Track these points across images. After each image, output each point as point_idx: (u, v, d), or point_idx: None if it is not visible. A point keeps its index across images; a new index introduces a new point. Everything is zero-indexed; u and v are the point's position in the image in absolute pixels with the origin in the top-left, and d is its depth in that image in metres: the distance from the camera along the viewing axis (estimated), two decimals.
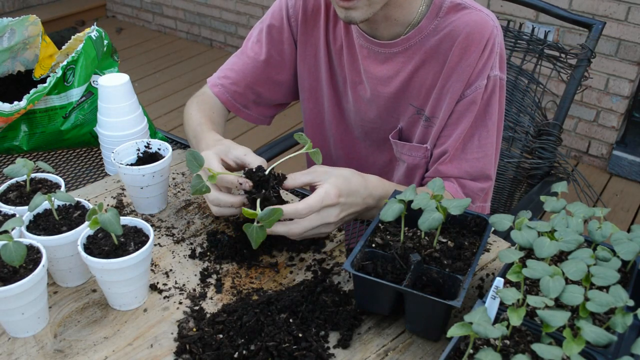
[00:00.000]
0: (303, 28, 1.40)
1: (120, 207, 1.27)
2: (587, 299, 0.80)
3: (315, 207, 1.06)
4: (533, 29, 1.84)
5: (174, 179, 1.38)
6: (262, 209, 1.03)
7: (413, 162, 1.37)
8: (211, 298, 1.05)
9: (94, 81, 1.48)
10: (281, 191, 1.17)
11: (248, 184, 1.08)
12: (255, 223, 1.02)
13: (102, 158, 1.49)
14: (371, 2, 1.15)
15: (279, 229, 1.07)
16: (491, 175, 1.34)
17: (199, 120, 1.36)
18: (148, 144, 1.27)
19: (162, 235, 1.20)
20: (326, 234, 1.14)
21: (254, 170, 1.09)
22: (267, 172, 1.10)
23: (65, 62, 1.42)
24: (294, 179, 1.11)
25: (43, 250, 0.95)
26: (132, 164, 1.24)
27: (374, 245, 1.02)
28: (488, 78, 1.25)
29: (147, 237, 1.01)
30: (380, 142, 1.44)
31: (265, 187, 1.08)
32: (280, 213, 1.02)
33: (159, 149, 1.26)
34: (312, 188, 1.13)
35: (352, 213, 1.13)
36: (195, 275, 1.10)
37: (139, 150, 1.26)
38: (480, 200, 1.35)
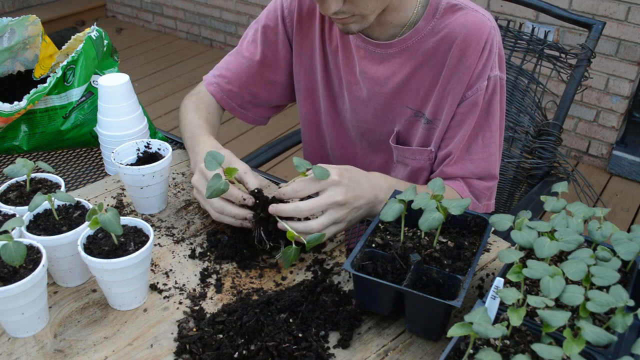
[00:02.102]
0: (298, 29, 1.40)
1: (120, 207, 1.27)
2: (587, 299, 0.80)
3: (314, 186, 1.08)
4: (533, 29, 1.84)
5: (174, 179, 1.38)
6: (268, 230, 1.10)
7: (417, 165, 1.37)
8: (211, 298, 1.05)
9: (94, 81, 1.48)
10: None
11: (251, 200, 1.10)
12: (293, 245, 1.06)
13: (102, 158, 1.49)
14: (364, 16, 1.17)
15: (297, 227, 1.08)
16: (496, 174, 1.35)
17: (196, 122, 1.36)
18: (148, 144, 1.27)
19: (162, 235, 1.20)
20: (343, 223, 1.13)
21: (255, 191, 1.12)
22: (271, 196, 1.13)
23: (65, 62, 1.42)
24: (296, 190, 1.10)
25: (43, 250, 0.95)
26: (132, 164, 1.24)
27: (374, 245, 1.02)
28: (488, 79, 1.25)
29: (147, 237, 1.01)
30: (376, 144, 1.44)
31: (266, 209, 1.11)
32: (324, 236, 1.08)
33: (159, 149, 1.26)
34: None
35: (361, 199, 1.12)
36: (195, 275, 1.10)
37: (139, 150, 1.26)
38: (486, 199, 1.37)
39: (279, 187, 1.11)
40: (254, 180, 1.13)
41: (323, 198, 1.08)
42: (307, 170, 1.09)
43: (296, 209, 1.07)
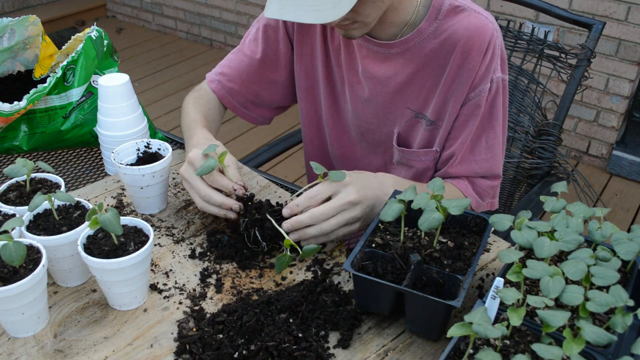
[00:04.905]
0: (299, 28, 1.40)
1: (120, 207, 1.27)
2: (587, 299, 0.80)
3: (326, 189, 1.10)
4: (533, 29, 1.84)
5: (174, 179, 1.38)
6: (263, 232, 1.11)
7: (423, 166, 1.38)
8: (211, 298, 1.05)
9: (94, 81, 1.48)
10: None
11: (242, 190, 1.11)
12: (288, 253, 1.06)
13: (102, 158, 1.49)
14: (365, 23, 1.18)
15: (310, 231, 1.10)
16: (500, 174, 1.37)
17: (194, 116, 1.37)
18: (148, 144, 1.27)
19: (162, 235, 1.20)
20: (357, 224, 1.14)
21: (247, 193, 1.14)
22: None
23: (65, 62, 1.42)
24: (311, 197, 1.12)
25: (43, 250, 0.95)
26: (132, 164, 1.24)
27: (374, 245, 1.02)
28: (491, 81, 1.26)
29: (147, 237, 1.01)
30: (376, 145, 1.44)
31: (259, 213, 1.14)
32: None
33: (159, 149, 1.26)
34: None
35: (373, 197, 1.13)
36: (195, 275, 1.10)
37: (139, 150, 1.26)
38: (489, 197, 1.38)
39: (290, 200, 1.12)
40: (235, 173, 1.15)
41: (336, 200, 1.10)
42: (324, 174, 1.10)
43: (312, 217, 1.09)
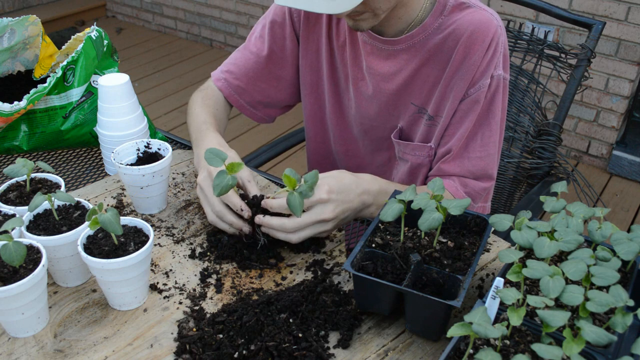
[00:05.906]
0: (305, 23, 1.40)
1: (120, 207, 1.27)
2: (587, 299, 0.80)
3: (305, 204, 1.08)
4: (533, 29, 1.84)
5: (174, 179, 1.38)
6: (260, 234, 1.12)
7: (417, 161, 1.37)
8: (211, 298, 1.05)
9: (94, 81, 1.48)
10: None
11: (248, 213, 1.10)
12: (294, 191, 1.03)
13: (102, 158, 1.49)
14: (376, 14, 1.18)
15: (278, 235, 1.10)
16: (493, 175, 1.34)
17: (204, 117, 1.36)
18: (148, 144, 1.27)
19: (162, 235, 1.20)
20: (327, 233, 1.14)
21: (253, 198, 1.13)
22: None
23: (65, 62, 1.42)
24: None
25: (43, 250, 0.95)
26: (132, 164, 1.24)
27: (374, 245, 1.02)
28: (491, 77, 1.25)
29: (147, 237, 1.01)
30: (379, 141, 1.44)
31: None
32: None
33: (159, 149, 1.26)
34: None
35: (348, 210, 1.13)
36: (195, 275, 1.10)
37: (139, 150, 1.26)
38: (481, 200, 1.36)
39: (268, 197, 1.11)
40: (255, 190, 1.14)
41: (310, 216, 1.09)
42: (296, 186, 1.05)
43: (281, 226, 1.08)
